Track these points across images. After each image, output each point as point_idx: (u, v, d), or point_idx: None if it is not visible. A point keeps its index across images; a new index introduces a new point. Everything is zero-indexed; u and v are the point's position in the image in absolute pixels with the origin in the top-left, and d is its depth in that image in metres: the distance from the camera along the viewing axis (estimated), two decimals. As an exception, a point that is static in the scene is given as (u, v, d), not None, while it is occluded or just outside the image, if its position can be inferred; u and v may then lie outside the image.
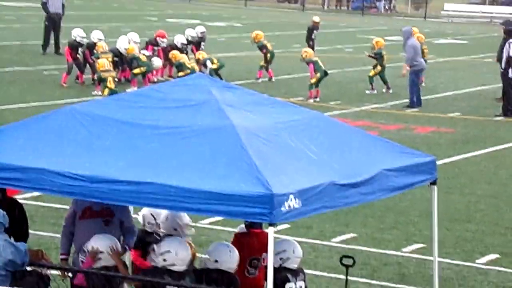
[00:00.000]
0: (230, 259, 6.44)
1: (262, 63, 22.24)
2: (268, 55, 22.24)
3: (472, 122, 18.60)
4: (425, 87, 22.55)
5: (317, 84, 19.86)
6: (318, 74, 19.78)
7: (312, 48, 24.33)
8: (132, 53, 19.82)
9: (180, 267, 6.20)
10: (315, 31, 25.90)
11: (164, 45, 21.46)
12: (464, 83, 23.62)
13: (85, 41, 20.05)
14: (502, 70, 18.95)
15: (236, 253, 6.51)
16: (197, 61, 20.50)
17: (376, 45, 21.45)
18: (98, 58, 19.16)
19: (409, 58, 19.53)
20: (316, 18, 26.51)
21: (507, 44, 18.77)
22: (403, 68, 20.00)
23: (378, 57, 21.29)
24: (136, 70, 19.63)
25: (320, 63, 19.90)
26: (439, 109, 19.77)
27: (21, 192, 7.39)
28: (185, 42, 21.94)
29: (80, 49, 20.13)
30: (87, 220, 6.97)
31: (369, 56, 21.42)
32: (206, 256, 6.53)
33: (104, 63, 18.01)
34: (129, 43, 20.26)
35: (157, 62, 20.58)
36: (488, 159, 15.23)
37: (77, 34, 20.07)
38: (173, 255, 6.19)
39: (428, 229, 10.27)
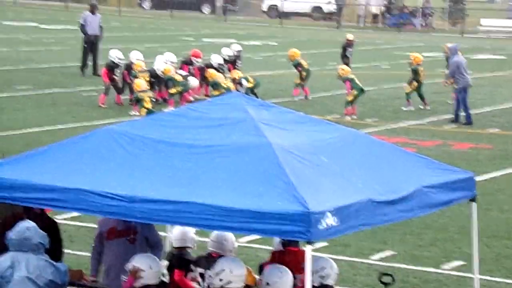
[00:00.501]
0: (281, 281, 6.37)
1: (298, 81, 22.26)
2: (304, 73, 22.25)
3: (511, 138, 18.41)
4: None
5: (353, 101, 19.83)
6: (355, 92, 19.75)
7: (347, 65, 24.33)
8: (169, 74, 19.95)
9: (237, 284, 6.19)
10: (349, 49, 25.90)
11: (199, 64, 21.58)
12: (503, 98, 23.40)
13: (122, 62, 20.21)
14: None
15: (288, 276, 6.40)
16: (233, 80, 20.57)
17: (414, 61, 21.40)
18: (136, 77, 19.31)
19: (451, 74, 19.62)
20: (350, 36, 26.52)
21: None
22: (445, 81, 20.10)
23: (414, 73, 21.24)
24: (173, 90, 19.75)
25: (357, 81, 19.87)
26: (478, 125, 19.61)
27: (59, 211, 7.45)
28: (222, 62, 22.05)
29: (117, 70, 20.29)
30: (112, 240, 7.07)
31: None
32: (258, 277, 6.54)
33: (141, 83, 18.14)
34: (165, 64, 20.40)
35: (193, 81, 20.69)
36: (527, 175, 15.07)
37: (115, 55, 20.24)
38: (228, 272, 6.19)
39: (467, 246, 10.17)
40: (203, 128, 6.42)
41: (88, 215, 7.14)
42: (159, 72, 20.12)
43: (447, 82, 22.76)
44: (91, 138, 6.51)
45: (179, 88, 19.81)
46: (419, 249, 10.71)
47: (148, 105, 17.70)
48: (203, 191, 5.85)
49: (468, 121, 19.47)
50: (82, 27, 25.28)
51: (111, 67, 20.14)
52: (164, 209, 5.84)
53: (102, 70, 20.49)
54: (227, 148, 6.16)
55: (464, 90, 19.63)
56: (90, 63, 24.81)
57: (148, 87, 18.57)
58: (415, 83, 21.18)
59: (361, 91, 19.86)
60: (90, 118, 18.26)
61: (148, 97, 17.91)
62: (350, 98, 19.82)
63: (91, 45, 24.88)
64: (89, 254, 9.78)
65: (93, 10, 25.44)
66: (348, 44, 25.94)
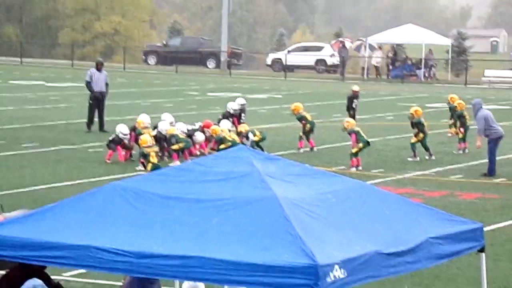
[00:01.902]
0: None
1: (301, 133, 22.33)
2: (308, 125, 22.33)
3: (518, 187, 18.37)
4: (469, 153, 22.41)
5: (358, 153, 19.87)
6: (361, 144, 19.79)
7: (353, 117, 24.45)
8: (171, 134, 20.05)
9: None
10: (355, 100, 25.99)
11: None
12: (509, 148, 23.41)
13: (127, 138, 20.06)
14: None
15: None
16: (239, 133, 20.64)
17: (415, 114, 21.51)
18: (140, 134, 19.39)
19: (481, 130, 19.43)
20: (356, 87, 26.65)
21: None
22: (477, 140, 19.91)
23: (420, 125, 21.33)
24: (175, 147, 19.81)
25: (362, 133, 19.92)
26: (483, 176, 19.57)
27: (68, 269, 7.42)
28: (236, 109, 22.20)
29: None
30: None
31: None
32: None
33: (147, 139, 18.20)
34: (170, 125, 20.51)
35: (200, 136, 20.78)
36: (536, 224, 14.99)
37: (119, 131, 20.14)
38: None
39: (477, 297, 10.09)
40: (210, 182, 6.44)
41: (96, 272, 7.13)
42: (164, 132, 20.20)
43: (455, 132, 22.82)
44: (98, 195, 6.53)
45: (181, 145, 19.88)
46: (428, 301, 10.62)
47: (154, 159, 17.74)
48: (210, 245, 5.85)
49: (490, 173, 19.29)
50: (88, 84, 25.46)
51: (117, 142, 20.06)
52: (172, 264, 5.83)
53: (116, 148, 20.25)
54: (234, 202, 6.17)
55: (495, 141, 19.48)
56: (96, 119, 24.94)
57: (154, 142, 18.62)
58: (421, 135, 21.27)
59: (367, 143, 19.90)
60: (96, 174, 18.30)
61: (153, 152, 17.96)
62: (354, 150, 19.86)
63: (97, 102, 25.03)
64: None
65: (99, 67, 25.63)
66: (354, 96, 26.06)
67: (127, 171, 18.61)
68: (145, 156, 17.93)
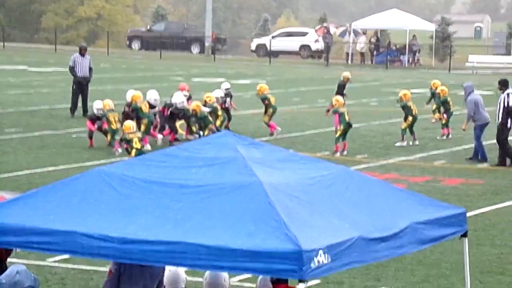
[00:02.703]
0: None
1: (266, 119, 22.19)
2: (270, 109, 22.27)
3: (501, 173, 18.47)
4: (453, 139, 22.50)
5: (343, 137, 19.86)
6: (342, 126, 19.78)
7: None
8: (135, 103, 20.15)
9: None
10: (346, 86, 26.06)
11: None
12: (491, 134, 23.52)
13: (101, 113, 20.02)
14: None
15: None
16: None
17: (404, 98, 21.53)
18: (106, 116, 19.47)
19: (470, 113, 19.41)
20: (347, 73, 26.74)
21: (504, 95, 18.81)
22: (464, 123, 19.92)
23: (407, 109, 21.38)
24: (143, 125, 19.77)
25: (346, 116, 19.90)
26: (468, 161, 19.66)
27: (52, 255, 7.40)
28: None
29: (98, 122, 20.22)
30: None
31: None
32: None
33: (130, 125, 18.15)
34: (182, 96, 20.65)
35: (178, 96, 20.77)
36: (518, 209, 15.08)
37: (95, 107, 20.12)
38: None
39: (460, 282, 10.16)
40: (194, 167, 6.43)
41: (79, 257, 7.11)
42: (153, 102, 20.37)
43: (438, 118, 22.92)
44: (82, 180, 6.51)
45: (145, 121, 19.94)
46: (412, 285, 10.68)
47: (137, 145, 17.71)
48: (194, 231, 5.85)
49: (478, 158, 19.36)
50: (72, 69, 25.36)
51: (93, 118, 20.06)
52: (156, 249, 5.82)
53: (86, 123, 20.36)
54: (218, 187, 6.16)
55: (481, 127, 19.50)
56: (80, 104, 24.85)
57: (136, 129, 18.49)
58: (410, 118, 21.34)
59: (348, 125, 19.86)
60: (80, 160, 18.24)
61: (136, 137, 17.91)
62: (338, 134, 19.87)
63: (80, 87, 24.94)
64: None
65: (82, 52, 25.52)
66: (345, 82, 26.14)
67: (111, 156, 18.56)
68: (128, 141, 17.89)
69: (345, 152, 19.78)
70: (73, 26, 68.94)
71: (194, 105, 20.60)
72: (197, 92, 25.40)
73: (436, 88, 24.51)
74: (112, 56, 50.77)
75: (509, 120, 18.82)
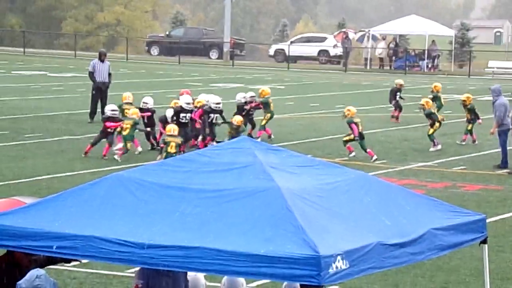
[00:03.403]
0: None
1: (264, 122, 22.13)
2: (268, 114, 22.24)
3: (521, 178, 18.36)
4: (471, 144, 22.38)
5: (347, 142, 19.89)
6: (352, 136, 19.78)
7: (400, 109, 25.82)
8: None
9: None
10: (398, 93, 26.39)
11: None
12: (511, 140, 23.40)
13: (116, 113, 20.01)
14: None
15: None
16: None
17: (426, 106, 21.62)
18: (123, 110, 19.68)
19: (500, 117, 18.87)
20: (400, 81, 27.19)
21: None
22: (493, 127, 19.56)
23: (432, 115, 21.48)
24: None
25: (360, 125, 19.81)
26: (487, 166, 19.56)
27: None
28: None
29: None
30: None
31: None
32: None
33: (171, 128, 18.19)
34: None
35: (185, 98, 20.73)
36: (538, 215, 14.99)
37: (108, 109, 20.13)
38: None
39: (479, 288, 10.09)
40: (212, 172, 6.44)
41: (98, 262, 7.12)
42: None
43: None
44: (100, 185, 6.53)
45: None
46: (431, 292, 10.63)
47: (172, 150, 17.70)
48: (212, 236, 5.85)
49: (505, 165, 19.09)
50: (91, 74, 25.47)
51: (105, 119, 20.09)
52: (174, 254, 5.83)
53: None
54: (236, 192, 6.16)
55: (506, 133, 18.94)
56: (99, 109, 24.94)
57: (177, 133, 18.40)
58: (437, 124, 21.40)
59: (360, 136, 19.79)
60: (99, 165, 18.30)
61: (174, 142, 17.88)
62: (346, 138, 19.92)
63: (100, 92, 25.04)
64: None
65: (102, 57, 25.63)
66: (398, 89, 26.42)
67: (129, 162, 18.61)
68: (165, 143, 17.95)
69: (353, 153, 19.72)
70: (92, 32, 69.27)
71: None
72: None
73: (438, 91, 25.17)
74: (131, 61, 50.94)
75: None
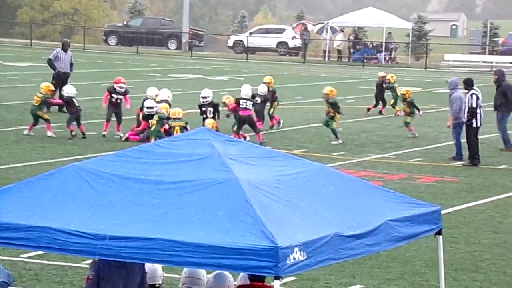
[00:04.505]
0: None
1: (271, 110, 22.61)
2: (276, 102, 22.68)
3: (476, 171, 18.58)
4: (428, 137, 22.61)
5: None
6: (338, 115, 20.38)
7: (384, 101, 25.91)
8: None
9: None
10: (383, 85, 26.39)
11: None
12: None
13: (153, 111, 19.90)
14: (465, 121, 18.86)
15: None
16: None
17: (407, 94, 22.12)
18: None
19: (455, 110, 18.91)
20: (382, 73, 27.41)
21: (468, 96, 18.79)
22: (448, 120, 19.66)
23: (411, 105, 21.87)
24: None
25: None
26: (443, 158, 19.77)
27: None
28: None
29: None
30: None
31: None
32: None
33: (176, 111, 18.61)
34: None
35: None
36: (492, 207, 15.19)
37: (67, 92, 20.21)
38: None
39: (435, 279, 10.22)
40: (170, 164, 6.42)
41: (55, 253, 7.07)
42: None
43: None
44: (57, 176, 6.47)
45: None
46: (387, 283, 10.73)
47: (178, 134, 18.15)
48: (170, 227, 5.84)
49: (460, 156, 19.29)
50: (51, 62, 25.25)
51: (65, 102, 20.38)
52: (132, 246, 5.81)
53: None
54: (194, 184, 6.16)
55: (461, 125, 19.01)
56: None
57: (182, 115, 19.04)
58: (408, 110, 21.96)
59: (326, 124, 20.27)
60: (56, 155, 18.15)
61: (179, 126, 18.42)
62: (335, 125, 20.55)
63: (60, 82, 24.83)
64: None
65: (65, 47, 25.48)
66: (382, 81, 26.43)
67: (86, 152, 18.48)
68: (170, 128, 18.58)
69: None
70: (49, 20, 68.53)
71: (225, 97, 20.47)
72: (174, 89, 25.30)
73: (394, 81, 25.73)
74: (88, 51, 50.53)
75: (473, 121, 18.79)
